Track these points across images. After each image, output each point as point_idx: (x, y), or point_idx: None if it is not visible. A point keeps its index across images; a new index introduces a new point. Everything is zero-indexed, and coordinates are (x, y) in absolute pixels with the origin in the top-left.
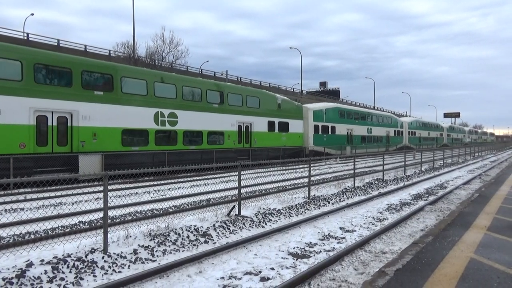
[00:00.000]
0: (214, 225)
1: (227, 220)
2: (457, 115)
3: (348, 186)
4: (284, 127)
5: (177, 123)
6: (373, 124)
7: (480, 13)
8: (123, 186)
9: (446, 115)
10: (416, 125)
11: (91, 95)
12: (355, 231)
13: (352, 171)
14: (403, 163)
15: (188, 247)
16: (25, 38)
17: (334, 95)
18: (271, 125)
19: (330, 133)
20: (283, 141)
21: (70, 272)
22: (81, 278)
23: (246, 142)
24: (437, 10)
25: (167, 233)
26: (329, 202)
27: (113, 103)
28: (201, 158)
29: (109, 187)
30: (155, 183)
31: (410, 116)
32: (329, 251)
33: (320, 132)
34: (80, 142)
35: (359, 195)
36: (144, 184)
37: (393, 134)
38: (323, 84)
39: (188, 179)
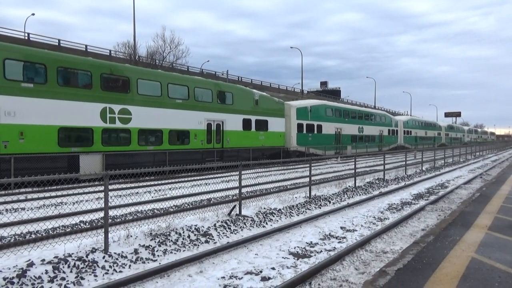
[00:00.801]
0: (215, 225)
1: (228, 220)
2: (458, 114)
3: (349, 186)
4: (262, 125)
5: (131, 121)
6: (364, 122)
7: (481, 12)
8: (124, 185)
9: (447, 115)
10: (412, 124)
11: (17, 88)
12: (356, 230)
13: (353, 171)
14: (404, 162)
15: (189, 246)
16: (26, 38)
17: (335, 94)
18: (247, 123)
19: (316, 132)
20: (261, 140)
21: (71, 271)
22: (82, 278)
23: (217, 142)
24: (437, 9)
25: (168, 233)
26: (330, 202)
27: (47, 97)
28: (161, 160)
29: (110, 187)
30: (156, 182)
31: (411, 116)
32: (330, 250)
33: (304, 131)
34: (3, 142)
35: (360, 195)
36: (145, 183)
37: (387, 134)
38: (324, 83)
39: (189, 178)
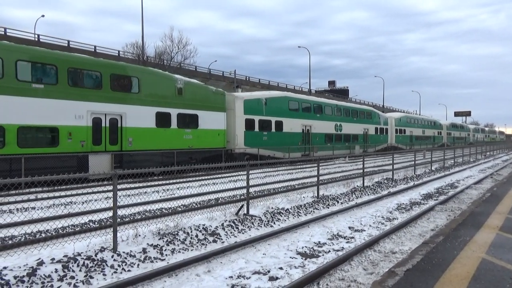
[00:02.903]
0: (222, 225)
1: (236, 220)
2: (467, 113)
3: (357, 186)
4: (189, 121)
5: None
6: (343, 119)
7: (491, 10)
8: (132, 185)
9: (457, 114)
10: (406, 122)
11: None
12: (364, 230)
13: (361, 171)
14: (413, 162)
15: (197, 246)
16: (36, 39)
17: (343, 94)
18: (163, 118)
19: (274, 130)
20: (187, 141)
21: (80, 270)
22: (91, 277)
23: (112, 143)
24: (446, 7)
25: (176, 232)
26: (338, 202)
27: None
28: (3, 170)
29: (119, 187)
30: (164, 182)
31: (421, 115)
32: (338, 250)
33: (257, 129)
34: None
35: (368, 195)
36: (153, 183)
37: (373, 132)
38: (332, 83)
39: (197, 178)
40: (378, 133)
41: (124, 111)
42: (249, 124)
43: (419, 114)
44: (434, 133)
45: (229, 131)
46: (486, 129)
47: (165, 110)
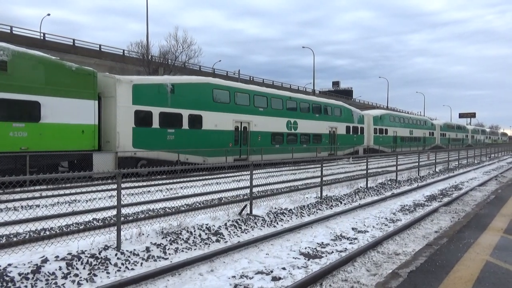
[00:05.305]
0: (225, 224)
1: (239, 219)
2: (472, 115)
3: (360, 187)
4: (22, 111)
5: None
6: (300, 115)
7: (497, 10)
8: (136, 184)
9: (461, 116)
10: (388, 121)
11: None
12: (367, 231)
13: (365, 172)
14: (417, 163)
15: (200, 245)
16: (42, 38)
17: (347, 94)
18: None
19: (187, 127)
20: (18, 140)
21: (84, 268)
22: (95, 275)
23: None
24: (452, 7)
25: (179, 232)
26: (341, 203)
27: None
28: None
29: (122, 185)
30: (168, 181)
31: (425, 116)
32: (341, 251)
33: (156, 125)
34: None
35: (371, 196)
36: (156, 182)
37: (344, 132)
38: (336, 83)
39: (200, 178)
40: (351, 133)
41: None
42: (143, 118)
43: (423, 115)
44: (424, 134)
45: (108, 127)
46: (488, 130)
47: None
